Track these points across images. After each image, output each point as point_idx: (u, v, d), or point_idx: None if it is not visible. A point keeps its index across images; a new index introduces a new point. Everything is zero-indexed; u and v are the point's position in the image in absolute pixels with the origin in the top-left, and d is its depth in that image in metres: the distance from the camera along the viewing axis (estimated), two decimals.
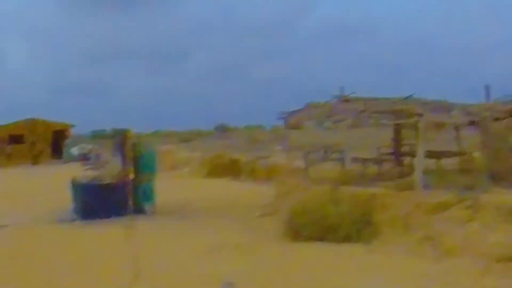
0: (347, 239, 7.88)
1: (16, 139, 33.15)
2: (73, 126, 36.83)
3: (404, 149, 12.54)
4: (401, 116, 10.22)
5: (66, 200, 11.66)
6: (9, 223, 10.08)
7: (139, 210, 10.93)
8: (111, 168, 11.79)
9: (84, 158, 29.13)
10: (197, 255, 7.43)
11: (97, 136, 48.36)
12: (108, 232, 9.11)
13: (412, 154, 10.87)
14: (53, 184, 16.40)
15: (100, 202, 10.52)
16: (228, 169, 19.19)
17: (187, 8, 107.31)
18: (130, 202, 10.83)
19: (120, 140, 11.28)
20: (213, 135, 42.42)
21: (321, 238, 7.99)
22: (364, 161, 11.92)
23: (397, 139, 12.53)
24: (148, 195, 11.30)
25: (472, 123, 10.39)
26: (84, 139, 42.97)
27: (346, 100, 11.18)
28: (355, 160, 12.10)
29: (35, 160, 32.08)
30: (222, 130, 48.88)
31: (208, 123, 65.04)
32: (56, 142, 34.10)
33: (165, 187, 13.90)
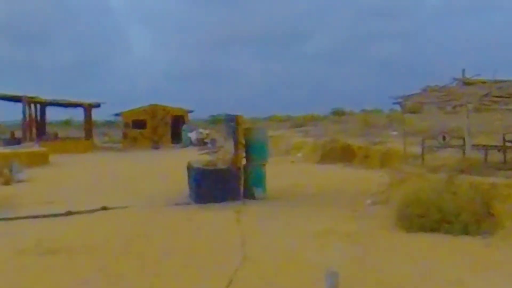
0: (463, 231, 7.57)
1: (139, 124, 35.73)
2: (191, 111, 38.82)
3: None
4: None
5: (182, 183, 12.46)
6: (129, 204, 10.99)
7: (250, 195, 11.40)
8: (224, 153, 12.30)
9: (201, 143, 30.68)
10: (304, 242, 7.60)
11: (214, 121, 50.50)
12: (220, 216, 9.60)
13: None
14: (170, 167, 17.57)
15: (213, 186, 11.07)
16: (341, 154, 19.12)
17: None
18: (242, 187, 11.40)
19: (232, 125, 11.74)
20: (328, 120, 42.28)
21: (435, 230, 7.76)
22: (487, 148, 11.27)
23: None
24: (259, 180, 11.66)
25: None
26: (201, 124, 45.11)
27: (468, 83, 10.65)
28: (476, 147, 11.47)
29: (156, 144, 34.28)
30: (338, 114, 48.50)
31: (325, 107, 64.86)
32: (175, 127, 36.18)
33: (277, 172, 14.27)
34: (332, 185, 13.18)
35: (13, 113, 40.76)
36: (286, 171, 16.46)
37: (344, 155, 19.03)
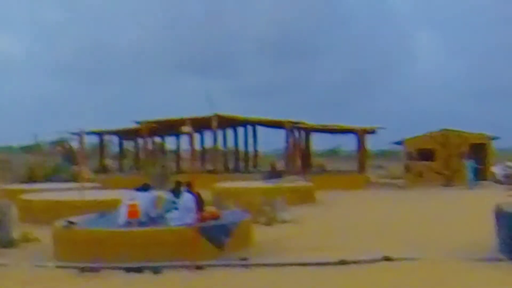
0: None
1: (425, 155, 35.09)
2: (495, 138, 36.86)
3: None
4: None
5: (487, 233, 11.88)
6: (417, 255, 10.88)
7: None
8: None
9: (509, 180, 28.96)
10: None
11: None
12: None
13: None
14: (468, 212, 16.95)
15: None
16: None
17: None
18: None
19: None
20: None
21: None
22: None
23: None
24: None
25: None
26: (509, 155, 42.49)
27: None
28: None
29: (449, 180, 33.22)
30: None
31: None
32: (473, 159, 34.73)
33: None
34: None
35: (274, 142, 44.34)
36: None
37: None
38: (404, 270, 9.85)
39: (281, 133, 34.51)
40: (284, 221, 16.57)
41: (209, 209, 12.91)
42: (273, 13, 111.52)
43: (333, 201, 23.15)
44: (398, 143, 38.37)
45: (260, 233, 13.79)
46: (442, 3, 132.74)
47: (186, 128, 12.46)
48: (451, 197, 25.98)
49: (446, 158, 34.61)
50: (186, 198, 11.58)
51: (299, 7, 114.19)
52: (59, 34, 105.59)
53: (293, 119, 34.20)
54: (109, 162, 44.17)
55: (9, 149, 47.45)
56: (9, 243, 13.16)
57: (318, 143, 41.65)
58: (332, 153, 55.39)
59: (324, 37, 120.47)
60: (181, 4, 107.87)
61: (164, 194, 12.97)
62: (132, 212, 11.43)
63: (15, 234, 13.58)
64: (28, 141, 41.72)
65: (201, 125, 34.02)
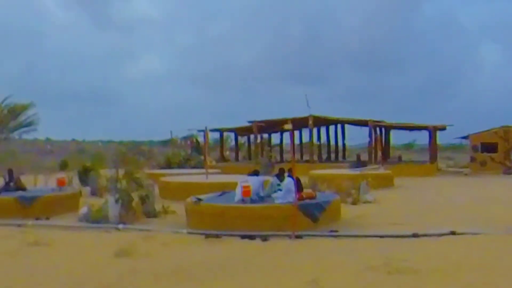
0: None
1: (488, 148, 33.95)
2: None
3: None
4: None
5: None
6: (480, 231, 10.49)
7: None
8: None
9: None
10: None
11: None
12: None
13: None
14: None
15: None
16: None
17: None
18: None
19: None
20: None
21: None
22: None
23: None
24: None
25: None
26: None
27: None
28: None
29: (509, 169, 31.95)
30: None
31: None
32: None
33: None
34: None
35: (359, 137, 43.98)
36: None
37: None
38: (468, 243, 9.52)
39: (365, 130, 34.40)
40: (366, 202, 16.44)
41: (306, 190, 13.02)
42: (361, 31, 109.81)
43: (408, 186, 22.67)
44: (465, 137, 37.32)
45: (347, 211, 13.78)
46: (504, 19, 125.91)
47: (287, 126, 12.55)
48: (510, 183, 24.77)
49: (507, 150, 33.39)
50: (288, 182, 11.71)
51: (382, 25, 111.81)
52: (191, 54, 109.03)
53: (376, 118, 33.99)
54: (227, 153, 45.11)
55: (151, 142, 49.40)
56: (153, 214, 13.83)
57: (396, 138, 40.95)
58: (408, 147, 53.82)
59: (403, 50, 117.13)
60: (285, 27, 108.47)
61: (271, 179, 13.18)
62: (246, 191, 11.69)
63: (157, 207, 14.21)
64: (166, 137, 43.23)
65: (300, 124, 34.24)
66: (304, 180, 15.93)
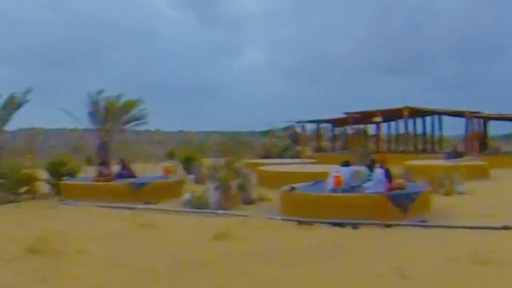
0: None
1: None
2: None
3: None
4: None
5: None
6: None
7: None
8: None
9: None
10: None
11: None
12: None
13: None
14: None
15: None
16: None
17: None
18: None
19: None
20: None
21: None
22: None
23: None
24: None
25: None
26: None
27: None
28: None
29: None
30: None
31: None
32: None
33: None
34: None
35: (456, 128, 42.19)
36: None
37: None
38: None
39: (462, 121, 32.92)
40: (460, 193, 15.88)
41: (397, 181, 12.91)
42: (461, 20, 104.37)
43: (505, 177, 21.50)
44: None
45: (439, 201, 13.45)
46: None
47: (377, 119, 12.48)
48: None
49: None
50: (379, 172, 11.71)
51: (483, 13, 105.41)
52: (292, 47, 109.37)
53: (476, 108, 32.53)
54: (324, 144, 45.07)
55: (252, 133, 50.46)
56: (250, 201, 14.34)
57: (496, 128, 38.78)
58: (508, 138, 50.59)
59: (500, 39, 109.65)
60: (385, 17, 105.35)
61: (362, 169, 13.21)
62: (337, 181, 11.83)
63: (254, 194, 14.70)
64: (265, 128, 43.97)
65: (396, 115, 33.41)
66: (398, 170, 15.73)
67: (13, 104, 16.85)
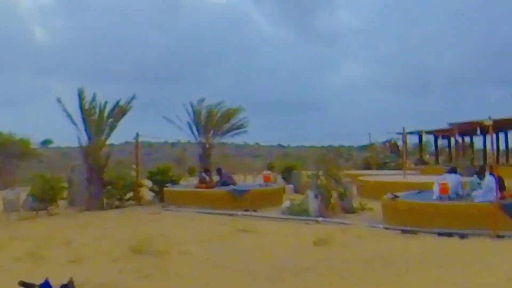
0: None
1: None
2: None
3: None
4: None
5: None
6: None
7: None
8: None
9: None
10: None
11: None
12: None
13: None
14: None
15: None
16: None
17: None
18: None
19: None
20: None
21: None
22: None
23: None
24: None
25: None
26: None
27: None
28: None
29: None
30: None
31: None
32: None
33: None
34: None
35: None
36: None
37: None
38: None
39: None
40: None
41: (510, 190, 11.73)
42: None
43: None
44: None
45: None
46: None
47: (487, 121, 11.41)
48: None
49: None
50: (489, 180, 10.76)
51: None
52: (392, 61, 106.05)
53: None
54: (427, 157, 42.92)
55: (351, 148, 49.19)
56: (350, 210, 13.88)
57: None
58: None
59: None
60: (493, 28, 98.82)
61: (469, 179, 12.18)
62: (444, 189, 11.07)
63: (355, 204, 14.18)
64: (365, 142, 42.74)
65: (505, 126, 30.75)
66: (509, 182, 14.39)
67: (119, 112, 17.53)
